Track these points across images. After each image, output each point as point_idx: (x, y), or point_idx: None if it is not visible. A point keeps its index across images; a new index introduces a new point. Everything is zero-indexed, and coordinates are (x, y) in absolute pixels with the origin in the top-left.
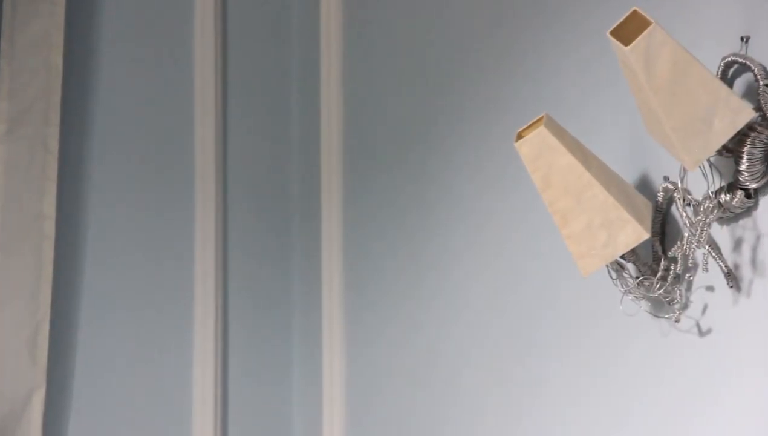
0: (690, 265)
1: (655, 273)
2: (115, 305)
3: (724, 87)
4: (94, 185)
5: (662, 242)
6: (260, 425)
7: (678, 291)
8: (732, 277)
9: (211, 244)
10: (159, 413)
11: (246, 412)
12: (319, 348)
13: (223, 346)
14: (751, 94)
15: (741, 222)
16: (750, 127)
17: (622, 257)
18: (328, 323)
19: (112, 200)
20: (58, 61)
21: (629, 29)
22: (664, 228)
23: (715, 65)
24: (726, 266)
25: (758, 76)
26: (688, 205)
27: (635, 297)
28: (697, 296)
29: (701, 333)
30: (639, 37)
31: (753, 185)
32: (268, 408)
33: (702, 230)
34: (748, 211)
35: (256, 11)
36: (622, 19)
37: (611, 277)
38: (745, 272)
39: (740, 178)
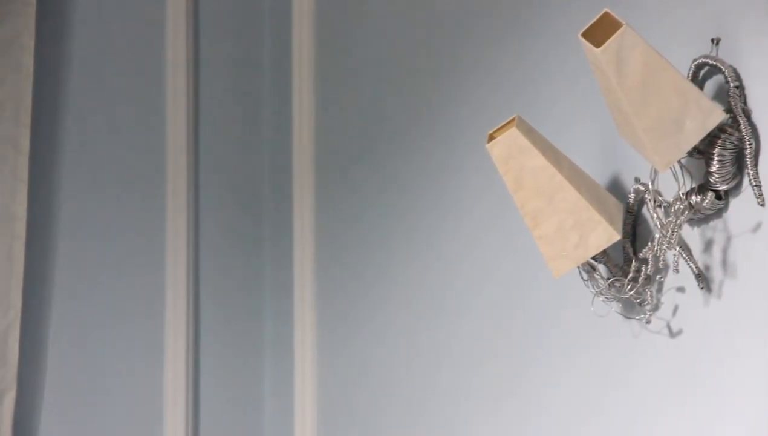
0: (661, 266)
1: (626, 274)
2: (86, 306)
3: (694, 89)
4: (66, 186)
5: (633, 244)
6: (232, 428)
7: (649, 292)
8: (702, 278)
9: (182, 247)
10: (130, 415)
11: (217, 415)
12: (290, 352)
13: (194, 349)
14: (721, 95)
15: (711, 223)
16: (720, 129)
17: (594, 258)
18: (300, 326)
19: (83, 202)
20: (28, 62)
21: (601, 31)
22: (635, 229)
23: (685, 67)
24: (696, 268)
25: (728, 78)
26: (659, 206)
27: (606, 298)
28: (668, 297)
29: (672, 334)
30: (610, 39)
31: (723, 187)
32: (239, 411)
33: (673, 232)
34: (718, 213)
35: (228, 10)
36: (593, 21)
37: (583, 278)
38: (716, 273)
39: (711, 180)
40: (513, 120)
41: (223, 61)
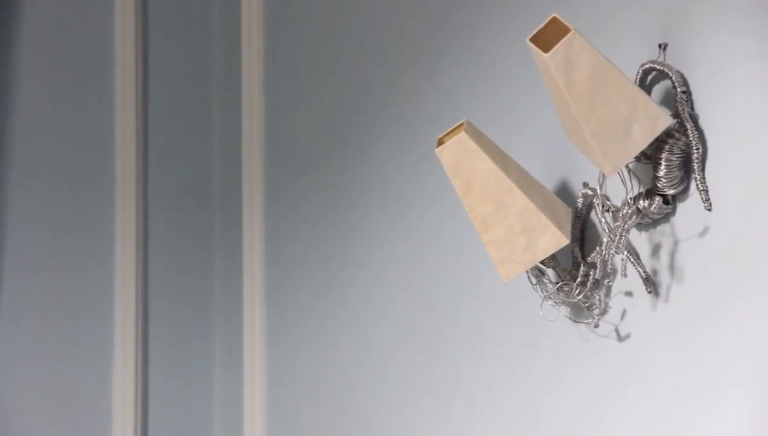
0: (609, 270)
1: (574, 279)
2: (33, 304)
3: (642, 94)
4: (13, 189)
5: (582, 248)
6: (181, 427)
7: (597, 296)
8: (650, 282)
9: (131, 248)
10: (78, 416)
11: (166, 416)
12: (240, 350)
13: (143, 347)
14: (668, 100)
15: (659, 228)
16: (668, 134)
17: (542, 262)
18: (249, 324)
19: (30, 199)
20: None
21: (549, 36)
22: (583, 234)
23: (633, 72)
24: (644, 272)
25: (676, 83)
26: (607, 211)
27: (555, 302)
28: (616, 302)
29: (620, 338)
30: (558, 44)
31: (671, 191)
32: (188, 411)
33: (621, 236)
34: (666, 217)
35: (177, 15)
36: (541, 25)
37: (531, 282)
38: (663, 278)
39: (658, 185)
40: (462, 124)
41: (172, 60)
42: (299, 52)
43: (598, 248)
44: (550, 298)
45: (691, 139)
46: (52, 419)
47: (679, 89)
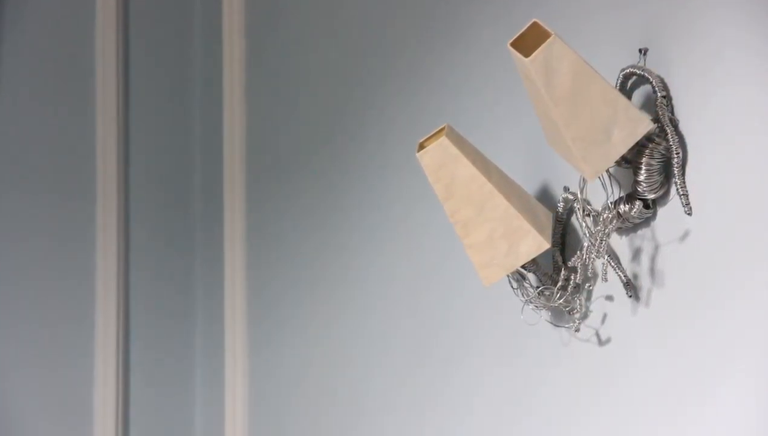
0: (590, 275)
1: (555, 283)
2: (15, 309)
3: (622, 98)
4: None
5: (563, 252)
6: (162, 431)
7: (578, 301)
8: (631, 286)
9: (112, 249)
10: (59, 423)
11: (147, 423)
12: (221, 353)
13: (124, 351)
14: (649, 105)
15: (640, 232)
16: (648, 139)
17: (523, 266)
18: (231, 328)
19: (11, 203)
20: None
21: (530, 41)
22: (564, 238)
23: (614, 77)
24: (625, 276)
25: (656, 88)
26: (588, 215)
27: (536, 307)
28: (597, 306)
29: (601, 342)
30: (539, 49)
31: (651, 196)
32: (170, 417)
33: (601, 240)
34: (646, 222)
35: (159, 14)
36: (522, 30)
37: (512, 287)
38: (644, 282)
39: (639, 189)
40: (443, 129)
41: (153, 63)
42: (281, 56)
43: (578, 252)
44: (531, 302)
45: (671, 143)
46: (32, 425)
47: (659, 94)
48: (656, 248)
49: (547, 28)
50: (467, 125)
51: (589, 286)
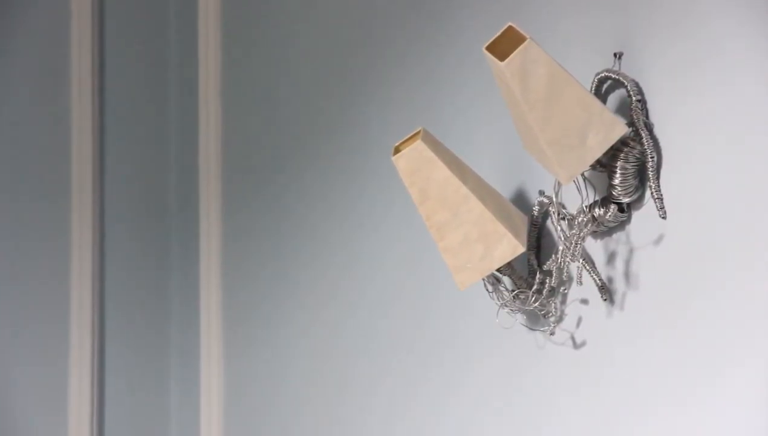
0: (565, 278)
1: (530, 286)
2: None
3: (597, 103)
4: None
5: (538, 256)
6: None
7: (553, 304)
8: (605, 290)
9: (87, 253)
10: (33, 427)
11: (123, 422)
12: (197, 358)
13: (99, 355)
14: (623, 109)
15: (614, 236)
16: (623, 142)
17: (499, 270)
18: (206, 332)
19: None
20: None
21: (505, 44)
22: (539, 242)
23: (588, 81)
24: (600, 280)
25: (631, 92)
26: (563, 219)
27: (511, 310)
28: (572, 309)
29: (576, 345)
30: (514, 53)
31: (626, 200)
32: (145, 418)
33: (576, 244)
34: (621, 225)
35: (133, 14)
36: (497, 34)
37: (487, 290)
38: (619, 285)
39: (614, 193)
40: (418, 132)
41: (128, 66)
42: (256, 59)
43: (553, 255)
44: (506, 305)
45: (645, 147)
46: (5, 431)
47: (634, 98)
48: (631, 251)
49: (522, 32)
50: (442, 129)
51: (564, 289)
